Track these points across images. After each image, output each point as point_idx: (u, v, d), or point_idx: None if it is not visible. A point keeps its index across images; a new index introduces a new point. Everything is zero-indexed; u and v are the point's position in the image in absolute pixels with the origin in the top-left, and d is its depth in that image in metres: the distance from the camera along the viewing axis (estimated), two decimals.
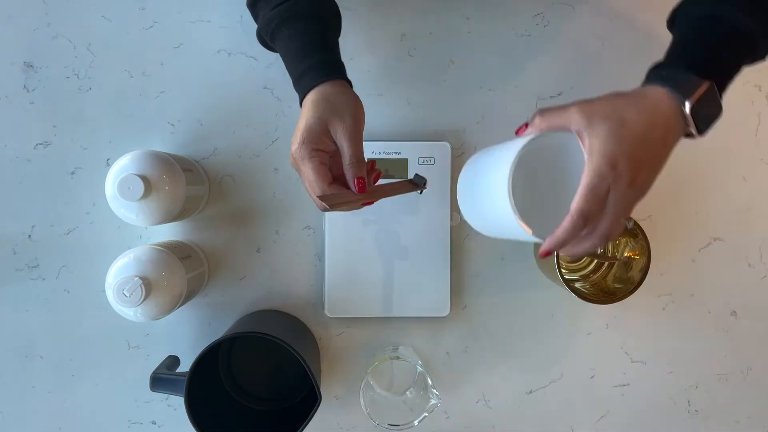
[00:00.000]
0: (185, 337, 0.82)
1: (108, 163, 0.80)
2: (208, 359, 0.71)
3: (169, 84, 0.81)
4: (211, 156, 0.81)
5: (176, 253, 0.73)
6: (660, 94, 0.52)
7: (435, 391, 0.73)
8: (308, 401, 0.70)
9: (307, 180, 0.59)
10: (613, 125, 0.51)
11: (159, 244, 0.73)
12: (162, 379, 0.70)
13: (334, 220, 0.79)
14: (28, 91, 0.80)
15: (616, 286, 0.78)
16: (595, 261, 0.82)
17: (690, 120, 0.52)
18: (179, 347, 0.81)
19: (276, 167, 0.81)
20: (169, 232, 0.81)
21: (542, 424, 0.84)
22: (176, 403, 0.81)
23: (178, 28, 0.81)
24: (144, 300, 0.66)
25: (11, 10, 0.80)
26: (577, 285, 0.81)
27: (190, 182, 0.73)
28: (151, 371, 0.70)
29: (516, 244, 0.83)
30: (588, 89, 0.83)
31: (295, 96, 0.85)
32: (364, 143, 0.79)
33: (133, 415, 0.82)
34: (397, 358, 0.77)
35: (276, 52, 0.66)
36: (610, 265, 0.81)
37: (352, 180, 0.59)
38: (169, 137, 0.81)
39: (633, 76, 0.83)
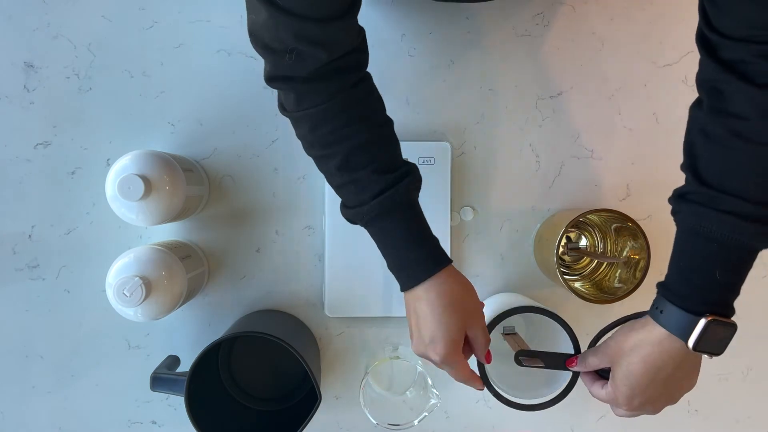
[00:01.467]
0: (185, 337, 0.82)
1: (108, 163, 0.80)
2: (208, 359, 0.71)
3: (169, 84, 0.81)
4: (211, 156, 0.81)
5: (176, 253, 0.73)
6: (661, 336, 0.58)
7: (435, 390, 0.73)
8: (308, 401, 0.70)
9: (462, 375, 0.64)
10: (625, 376, 0.61)
11: (159, 244, 0.73)
12: (162, 378, 0.70)
13: (334, 220, 0.79)
14: (28, 91, 0.80)
15: (616, 285, 0.78)
16: (596, 261, 0.82)
17: (700, 354, 0.58)
18: (179, 347, 0.81)
19: (276, 167, 0.81)
20: (169, 232, 0.81)
21: (542, 424, 0.84)
22: (176, 403, 0.81)
23: (178, 28, 0.81)
24: (144, 300, 0.66)
25: (11, 10, 0.80)
26: (577, 285, 0.81)
27: (190, 182, 0.73)
28: (151, 371, 0.70)
29: (516, 244, 0.83)
30: (588, 89, 0.83)
31: None
32: None
33: (133, 415, 0.82)
34: (397, 358, 0.77)
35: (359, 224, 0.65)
36: (610, 265, 0.81)
37: (483, 355, 0.65)
38: (169, 137, 0.81)
39: (633, 76, 0.83)
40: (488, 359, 0.66)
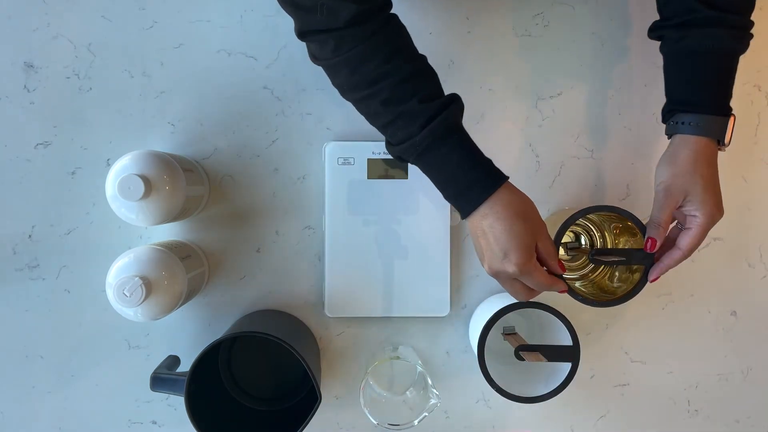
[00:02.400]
0: (185, 337, 0.82)
1: (108, 163, 0.80)
2: (208, 359, 0.71)
3: (169, 84, 0.81)
4: (211, 156, 0.81)
5: (176, 253, 0.73)
6: (703, 143, 0.68)
7: (435, 390, 0.73)
8: (308, 401, 0.70)
9: (543, 282, 0.65)
10: (704, 190, 0.68)
11: (159, 244, 0.73)
12: (162, 378, 0.70)
13: (334, 220, 0.79)
14: (28, 91, 0.80)
15: (616, 285, 0.78)
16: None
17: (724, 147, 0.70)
18: (179, 347, 0.81)
19: (276, 167, 0.81)
20: (169, 232, 0.81)
21: (542, 424, 0.84)
22: (176, 403, 0.81)
23: (178, 28, 0.81)
24: (144, 300, 0.66)
25: (11, 10, 0.80)
26: (577, 284, 0.81)
27: (191, 182, 0.73)
28: (151, 371, 0.70)
29: None
30: (588, 89, 0.83)
31: (295, 96, 0.85)
32: (365, 143, 0.80)
33: (133, 415, 0.82)
34: (397, 358, 0.77)
35: (413, 164, 0.66)
36: (610, 265, 0.81)
37: (555, 264, 0.67)
38: (169, 137, 0.81)
39: (633, 76, 0.83)
40: (562, 268, 0.67)
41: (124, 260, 0.69)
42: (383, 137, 0.83)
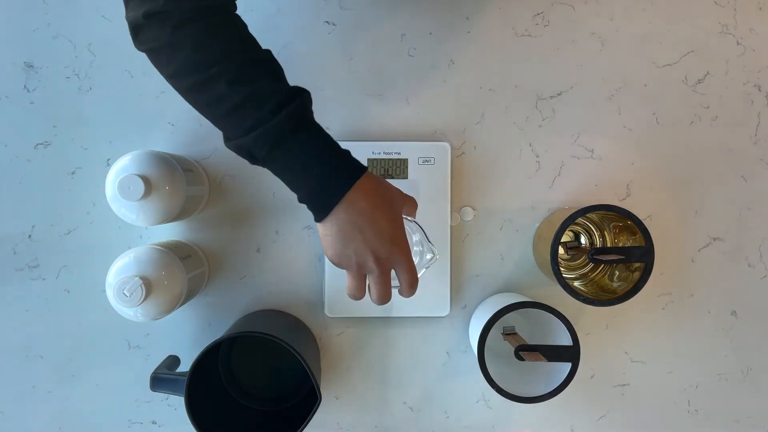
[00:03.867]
0: (185, 337, 0.82)
1: (108, 163, 0.80)
2: (208, 359, 0.71)
3: (169, 84, 0.80)
4: (211, 156, 0.81)
5: (176, 253, 0.73)
6: None
7: (432, 245, 0.72)
8: (308, 401, 0.70)
9: (412, 270, 0.63)
10: None
11: (159, 244, 0.73)
12: (162, 378, 0.70)
13: None
14: (28, 91, 0.80)
15: (616, 284, 0.78)
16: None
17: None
18: (179, 347, 0.81)
19: None
20: (170, 232, 0.81)
21: (542, 424, 0.84)
22: (176, 403, 0.81)
23: None
24: (144, 300, 0.66)
25: (11, 10, 0.80)
26: (577, 284, 0.81)
27: (191, 182, 0.73)
28: (151, 371, 0.70)
29: (516, 244, 0.83)
30: (588, 89, 0.83)
31: None
32: (365, 143, 0.80)
33: (133, 415, 0.82)
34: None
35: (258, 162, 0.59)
36: (609, 264, 0.81)
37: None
38: (169, 137, 0.81)
39: (633, 76, 0.83)
40: (414, 279, 0.64)
41: (124, 260, 0.69)
42: (383, 137, 0.83)
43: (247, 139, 0.57)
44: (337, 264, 0.61)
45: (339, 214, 0.59)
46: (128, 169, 0.67)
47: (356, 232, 0.59)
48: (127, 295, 0.65)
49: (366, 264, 0.60)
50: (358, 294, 0.64)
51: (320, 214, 0.59)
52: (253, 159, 0.59)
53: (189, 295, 0.74)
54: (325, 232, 0.60)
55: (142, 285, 0.66)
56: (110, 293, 0.67)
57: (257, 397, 0.82)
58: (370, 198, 0.59)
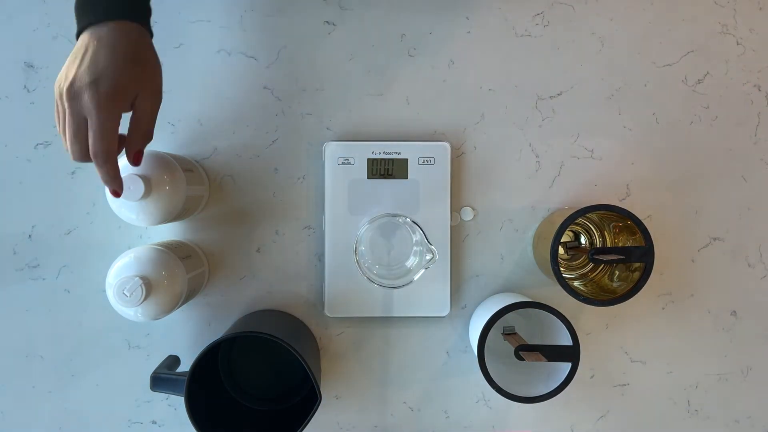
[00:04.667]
0: (185, 337, 0.82)
1: None
2: (208, 359, 0.71)
3: (169, 84, 0.80)
4: (211, 156, 0.81)
5: (176, 252, 0.73)
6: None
7: (432, 246, 0.72)
8: (308, 401, 0.70)
9: (106, 132, 0.55)
10: None
11: (159, 244, 0.73)
12: (162, 378, 0.70)
13: (334, 220, 0.79)
14: (28, 91, 0.80)
15: (616, 284, 0.78)
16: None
17: None
18: (179, 347, 0.81)
19: (276, 167, 0.81)
20: (170, 232, 0.81)
21: (542, 424, 0.84)
22: (176, 403, 0.81)
23: (178, 28, 0.81)
24: (144, 300, 0.66)
25: (11, 10, 0.80)
26: (577, 284, 0.81)
27: (191, 182, 0.73)
28: (151, 371, 0.70)
29: (516, 244, 0.83)
30: (588, 89, 0.83)
31: (295, 96, 0.85)
32: (365, 143, 0.80)
33: (133, 415, 0.82)
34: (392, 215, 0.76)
35: None
36: (609, 264, 0.81)
37: (133, 152, 0.60)
38: (169, 137, 0.81)
39: (633, 76, 0.83)
40: (137, 160, 0.60)
41: (124, 260, 0.69)
42: (383, 137, 0.83)
43: None
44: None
45: (92, 31, 0.55)
46: (128, 169, 0.67)
47: (80, 52, 0.56)
48: (128, 295, 0.65)
49: (58, 92, 0.55)
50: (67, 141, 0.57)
51: (91, 20, 0.56)
52: None
53: (189, 295, 0.74)
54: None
55: (143, 285, 0.66)
56: (110, 293, 0.67)
57: (257, 397, 0.82)
58: (123, 39, 0.56)
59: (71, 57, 0.57)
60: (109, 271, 0.69)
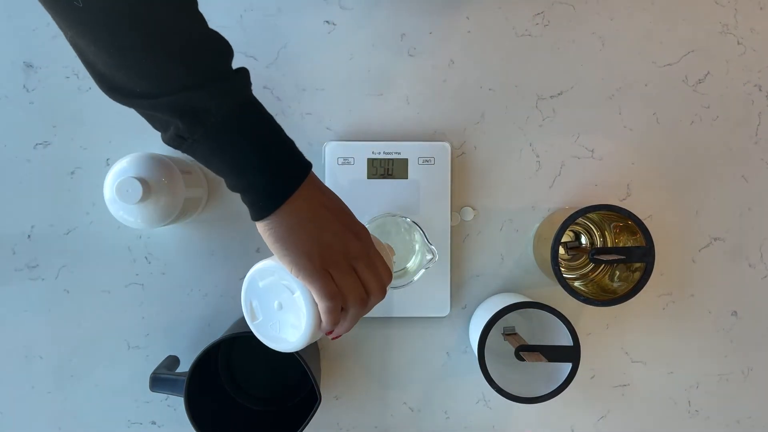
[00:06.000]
0: (185, 337, 0.82)
1: (108, 163, 0.80)
2: (208, 359, 0.71)
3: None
4: None
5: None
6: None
7: (432, 246, 0.72)
8: (308, 401, 0.70)
9: (384, 273, 0.56)
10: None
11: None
12: (162, 379, 0.70)
13: None
14: (28, 91, 0.80)
15: (616, 284, 0.78)
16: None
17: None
18: (179, 347, 0.81)
19: None
20: (170, 233, 0.81)
21: (542, 424, 0.84)
22: (176, 403, 0.81)
23: None
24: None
25: (11, 10, 0.80)
26: (577, 284, 0.81)
27: (189, 184, 0.73)
28: (151, 371, 0.70)
29: (516, 244, 0.83)
30: (588, 89, 0.83)
31: (295, 96, 0.85)
32: (365, 143, 0.79)
33: (133, 415, 0.82)
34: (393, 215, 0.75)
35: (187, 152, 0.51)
36: (610, 264, 0.81)
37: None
38: None
39: (633, 76, 0.83)
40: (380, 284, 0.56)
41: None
42: (383, 137, 0.83)
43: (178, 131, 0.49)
44: (316, 261, 0.52)
45: (297, 202, 0.51)
46: (126, 171, 0.67)
47: (326, 213, 0.53)
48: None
49: (350, 248, 0.52)
50: (351, 299, 0.54)
51: (271, 205, 0.51)
52: (181, 141, 0.50)
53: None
54: (275, 226, 0.52)
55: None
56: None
57: (257, 397, 0.82)
58: (324, 192, 0.55)
59: (312, 219, 0.52)
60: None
